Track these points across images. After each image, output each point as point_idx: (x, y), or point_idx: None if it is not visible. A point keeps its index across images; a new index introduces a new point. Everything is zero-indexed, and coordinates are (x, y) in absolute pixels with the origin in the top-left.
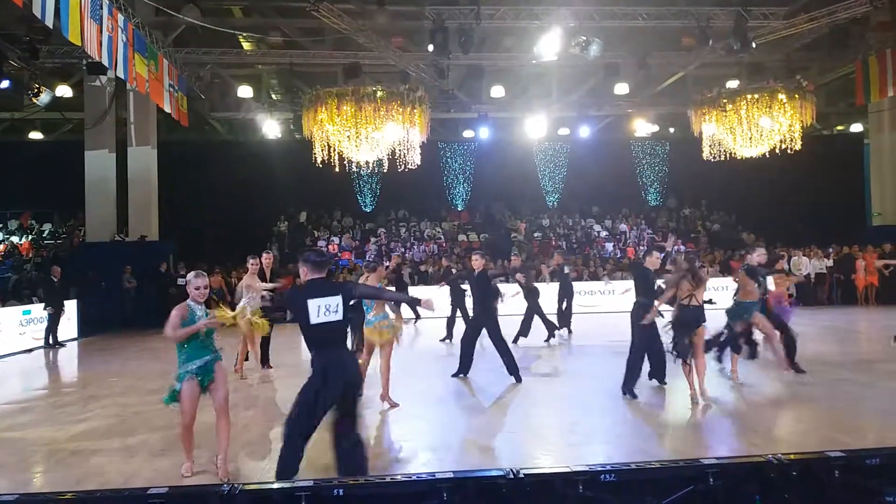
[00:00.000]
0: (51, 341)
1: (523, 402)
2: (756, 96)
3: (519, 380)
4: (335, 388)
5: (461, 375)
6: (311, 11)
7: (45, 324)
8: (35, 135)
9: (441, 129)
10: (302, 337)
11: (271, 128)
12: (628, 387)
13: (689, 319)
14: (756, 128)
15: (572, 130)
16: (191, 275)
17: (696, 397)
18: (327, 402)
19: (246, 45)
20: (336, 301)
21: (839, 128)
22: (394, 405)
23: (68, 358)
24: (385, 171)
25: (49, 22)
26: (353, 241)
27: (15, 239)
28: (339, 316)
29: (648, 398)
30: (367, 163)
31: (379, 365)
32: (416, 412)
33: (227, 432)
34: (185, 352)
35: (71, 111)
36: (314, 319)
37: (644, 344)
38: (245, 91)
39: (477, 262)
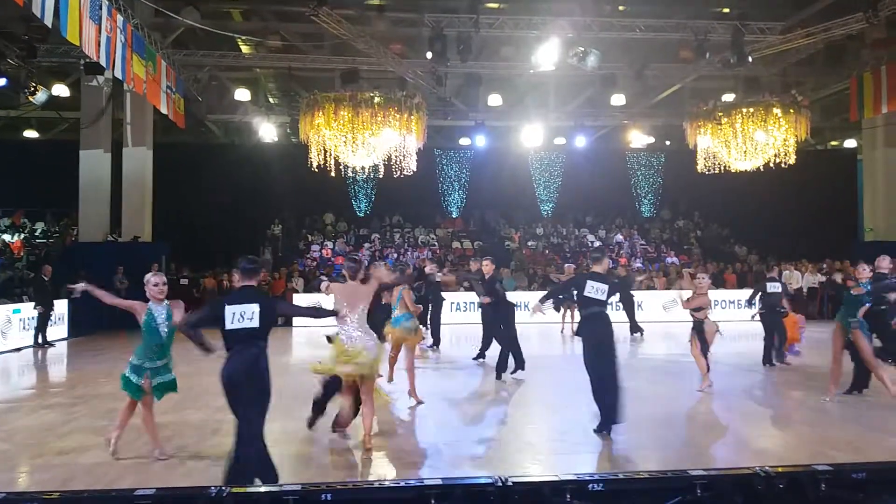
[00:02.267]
0: (40, 340)
1: (513, 411)
2: (751, 110)
3: (498, 377)
4: (231, 385)
5: (520, 371)
6: (310, 16)
7: (34, 323)
8: (30, 133)
9: (437, 136)
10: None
11: (268, 131)
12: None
13: None
14: (751, 141)
15: (568, 140)
16: (148, 274)
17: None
18: (230, 400)
19: (244, 49)
20: (253, 309)
21: (833, 143)
22: (419, 401)
23: (57, 358)
24: (381, 176)
25: (48, 21)
26: (347, 245)
27: (7, 237)
28: (255, 323)
29: (637, 410)
30: (362, 168)
31: (405, 363)
32: (406, 418)
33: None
34: (146, 347)
35: (67, 110)
36: (228, 325)
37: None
38: (242, 94)
39: (487, 266)
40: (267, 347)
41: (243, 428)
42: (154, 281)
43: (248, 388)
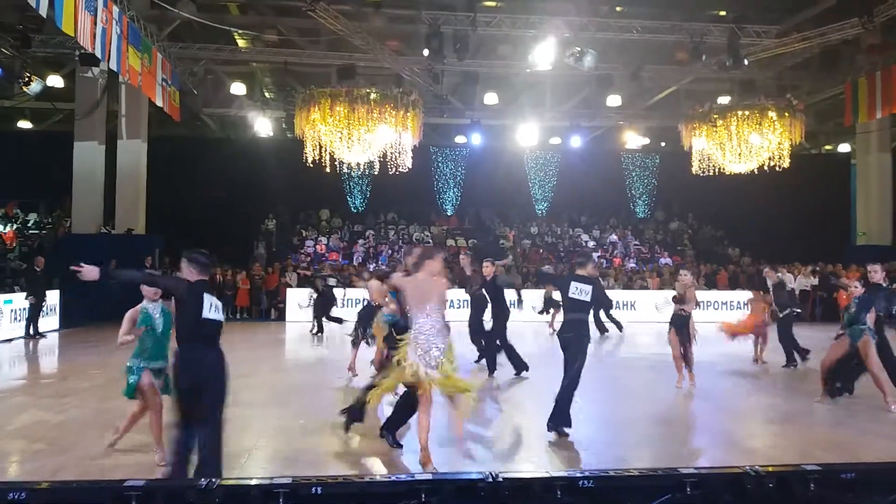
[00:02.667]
0: (31, 332)
1: (505, 408)
2: (746, 113)
3: (490, 373)
4: (185, 382)
5: (523, 373)
6: (307, 11)
7: (26, 314)
8: (24, 124)
9: (433, 134)
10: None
11: (263, 126)
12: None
13: None
14: (745, 144)
15: (564, 140)
16: None
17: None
18: (181, 395)
19: (241, 43)
20: (220, 303)
21: (827, 147)
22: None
23: (48, 349)
24: (376, 173)
25: (43, 11)
26: (342, 241)
27: None
28: (221, 317)
29: (629, 408)
30: (358, 164)
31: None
32: None
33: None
34: (143, 348)
35: (62, 101)
36: (206, 313)
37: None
38: (238, 88)
39: (488, 268)
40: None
41: (208, 432)
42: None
43: (215, 389)
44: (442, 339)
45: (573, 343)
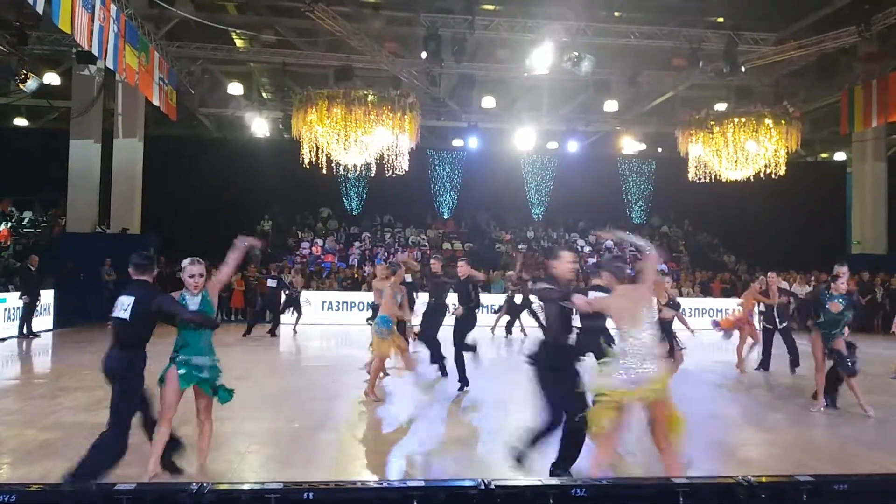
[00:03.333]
0: (25, 331)
1: (497, 415)
2: (743, 120)
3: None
4: (106, 379)
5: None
6: (305, 12)
7: (20, 313)
8: (20, 121)
9: (430, 137)
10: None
11: (260, 126)
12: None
13: None
14: (742, 151)
15: (560, 144)
16: (185, 261)
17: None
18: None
19: (238, 42)
20: (128, 301)
21: (823, 155)
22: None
23: (42, 348)
24: (373, 175)
25: (40, 8)
26: (338, 243)
27: None
28: (126, 315)
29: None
30: (354, 166)
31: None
32: (390, 420)
33: (207, 438)
34: (179, 340)
35: (58, 99)
36: (114, 313)
37: None
38: (235, 88)
39: (463, 269)
40: (137, 343)
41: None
42: (190, 271)
43: (114, 384)
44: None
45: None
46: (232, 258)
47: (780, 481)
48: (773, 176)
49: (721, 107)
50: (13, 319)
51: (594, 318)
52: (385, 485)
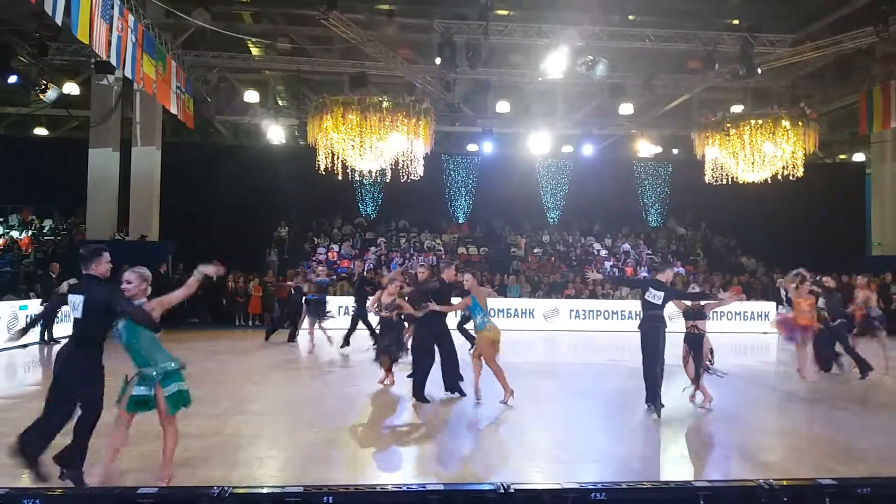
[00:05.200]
0: (46, 337)
1: (515, 419)
2: (760, 122)
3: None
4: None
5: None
6: (320, 20)
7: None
8: (40, 131)
9: (445, 142)
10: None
11: (276, 133)
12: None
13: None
14: (759, 153)
15: (576, 148)
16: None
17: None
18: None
19: (254, 51)
20: (78, 300)
21: (842, 157)
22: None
23: None
24: (388, 180)
25: (59, 19)
26: (353, 249)
27: (15, 234)
28: (79, 314)
29: (642, 419)
30: (369, 172)
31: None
32: (409, 424)
33: (169, 447)
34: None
35: (77, 109)
36: (71, 314)
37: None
38: (251, 96)
39: (423, 273)
40: (91, 342)
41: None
42: (124, 276)
43: (60, 384)
44: None
45: (649, 335)
46: (190, 283)
47: (803, 484)
48: (790, 178)
49: (737, 109)
50: (35, 326)
51: None
52: (404, 488)
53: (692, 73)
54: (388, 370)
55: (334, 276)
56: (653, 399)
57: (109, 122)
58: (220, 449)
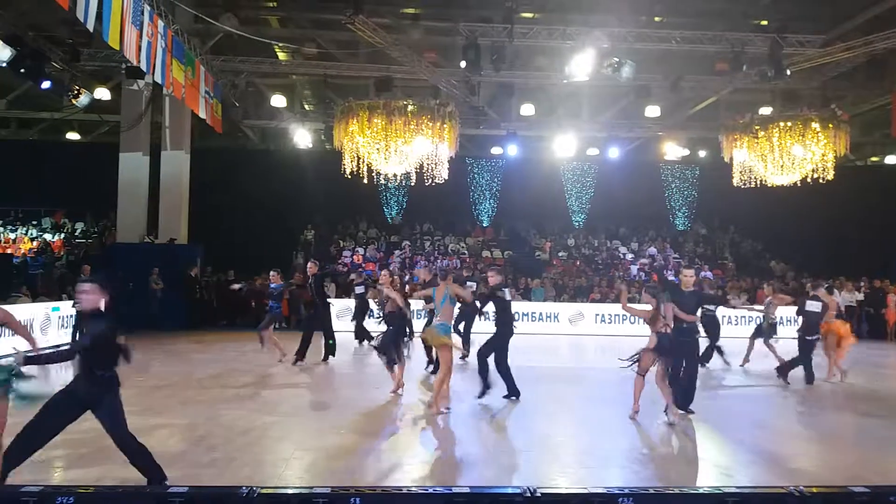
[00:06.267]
0: (78, 338)
1: (541, 423)
2: (789, 124)
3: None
4: None
5: (513, 398)
6: (346, 24)
7: (73, 321)
8: (72, 135)
9: (469, 145)
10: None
11: (302, 137)
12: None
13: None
14: (788, 156)
15: (601, 151)
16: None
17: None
18: None
19: (281, 56)
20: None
21: (874, 159)
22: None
23: None
24: (412, 184)
25: (90, 26)
26: (378, 252)
27: (48, 236)
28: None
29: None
30: (394, 175)
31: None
32: (435, 427)
33: None
34: None
35: (108, 113)
36: None
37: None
38: (278, 100)
39: (493, 278)
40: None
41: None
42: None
43: None
44: None
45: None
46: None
47: (834, 492)
48: (820, 181)
49: (766, 111)
50: (67, 328)
51: None
52: (430, 491)
53: (720, 75)
54: (395, 376)
55: (290, 282)
56: (686, 404)
57: (140, 126)
58: (246, 449)
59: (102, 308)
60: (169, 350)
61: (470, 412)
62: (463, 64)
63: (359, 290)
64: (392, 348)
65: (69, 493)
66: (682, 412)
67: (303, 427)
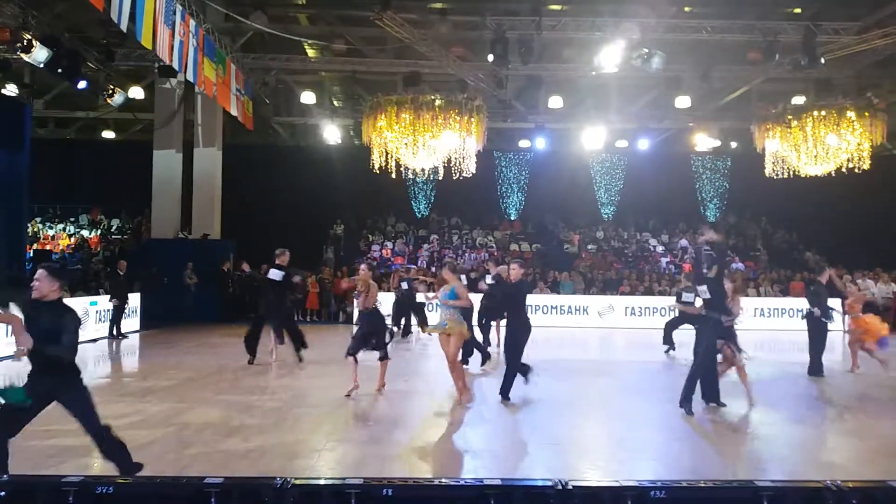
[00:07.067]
0: (114, 332)
1: (572, 415)
2: (823, 113)
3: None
4: None
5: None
6: (374, 20)
7: (110, 315)
8: (107, 134)
9: (497, 139)
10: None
11: (332, 133)
12: (685, 402)
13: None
14: (822, 146)
15: (630, 143)
16: None
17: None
18: None
19: (310, 52)
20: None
21: None
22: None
23: (130, 349)
24: (440, 178)
25: (124, 26)
26: (407, 246)
27: (85, 233)
28: None
29: (702, 416)
30: (423, 170)
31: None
32: (465, 419)
33: None
34: None
35: (142, 112)
36: None
37: (707, 360)
38: (308, 97)
39: (515, 271)
40: None
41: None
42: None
43: None
44: None
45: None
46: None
47: (872, 486)
48: (856, 170)
49: (799, 100)
50: (103, 321)
51: None
52: (462, 482)
53: (751, 65)
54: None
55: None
56: (714, 397)
57: (172, 124)
58: (278, 441)
59: (59, 297)
60: (202, 343)
61: (499, 406)
62: (490, 58)
63: (403, 286)
64: (382, 344)
65: (109, 483)
66: (713, 404)
67: (333, 419)
